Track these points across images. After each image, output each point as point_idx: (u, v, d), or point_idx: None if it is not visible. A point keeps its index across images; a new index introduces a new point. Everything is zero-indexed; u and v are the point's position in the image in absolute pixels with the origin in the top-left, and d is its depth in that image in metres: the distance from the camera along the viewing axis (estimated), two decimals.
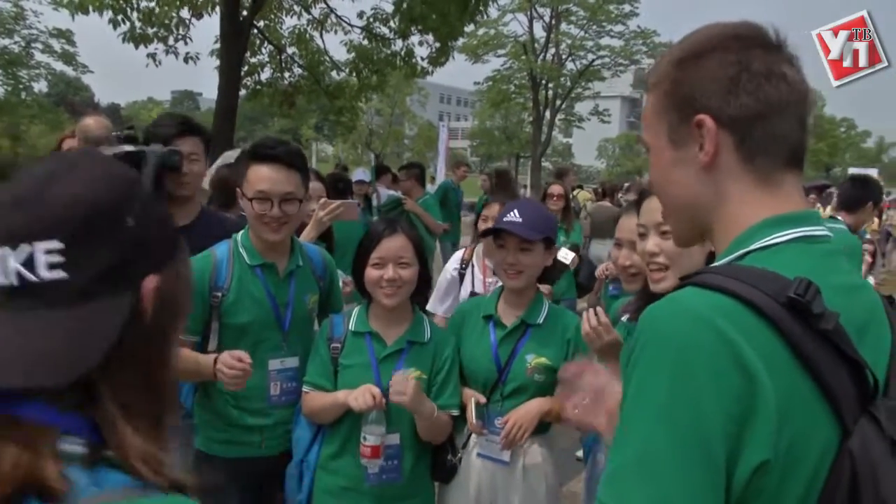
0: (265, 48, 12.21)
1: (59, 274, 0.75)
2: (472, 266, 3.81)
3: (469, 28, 14.18)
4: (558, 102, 31.05)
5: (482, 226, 3.77)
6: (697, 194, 1.05)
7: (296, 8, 12.15)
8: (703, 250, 1.76)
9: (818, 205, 8.77)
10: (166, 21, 10.26)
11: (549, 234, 2.55)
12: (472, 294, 3.66)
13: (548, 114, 30.55)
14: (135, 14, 9.82)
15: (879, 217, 13.62)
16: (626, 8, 28.31)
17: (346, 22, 12.12)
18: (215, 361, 2.27)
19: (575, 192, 11.20)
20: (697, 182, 1.05)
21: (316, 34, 12.36)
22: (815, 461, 0.89)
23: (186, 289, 0.92)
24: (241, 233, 2.60)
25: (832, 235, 1.03)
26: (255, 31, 11.29)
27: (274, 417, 2.53)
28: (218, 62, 10.46)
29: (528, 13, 29.69)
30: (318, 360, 2.46)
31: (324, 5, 12.08)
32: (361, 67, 12.16)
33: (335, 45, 12.80)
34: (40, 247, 0.74)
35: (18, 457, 0.72)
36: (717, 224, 1.06)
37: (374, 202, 7.22)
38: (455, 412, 2.46)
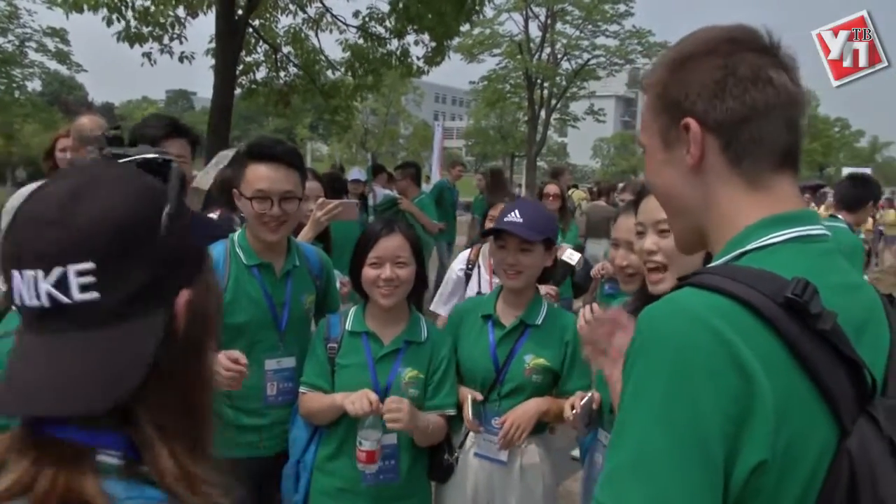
0: (260, 47, 12.18)
1: (92, 295, 0.74)
2: (479, 266, 3.78)
3: (464, 28, 14.17)
4: (553, 102, 31.05)
5: (489, 226, 3.76)
6: (688, 196, 1.07)
7: (291, 7, 12.14)
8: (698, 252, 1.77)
9: (812, 204, 8.81)
10: (161, 20, 10.23)
11: (550, 234, 2.55)
12: (479, 294, 3.65)
13: (543, 113, 30.55)
14: (130, 13, 9.79)
15: (872, 217, 13.67)
16: (622, 8, 28.36)
17: (341, 21, 12.11)
18: None
19: (570, 192, 11.21)
20: (687, 184, 1.06)
21: (311, 33, 12.36)
22: (813, 461, 0.89)
23: (216, 300, 0.90)
24: (237, 233, 2.60)
25: (829, 234, 1.04)
26: (251, 30, 11.26)
27: (270, 417, 2.53)
28: (213, 61, 10.43)
29: (524, 13, 29.68)
30: (314, 361, 2.46)
31: (319, 4, 12.08)
32: (357, 67, 12.14)
33: (331, 45, 12.73)
34: (73, 269, 0.73)
35: (56, 476, 0.71)
36: (711, 225, 1.07)
37: (371, 202, 7.22)
38: (451, 412, 2.46)
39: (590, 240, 8.69)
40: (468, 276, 3.78)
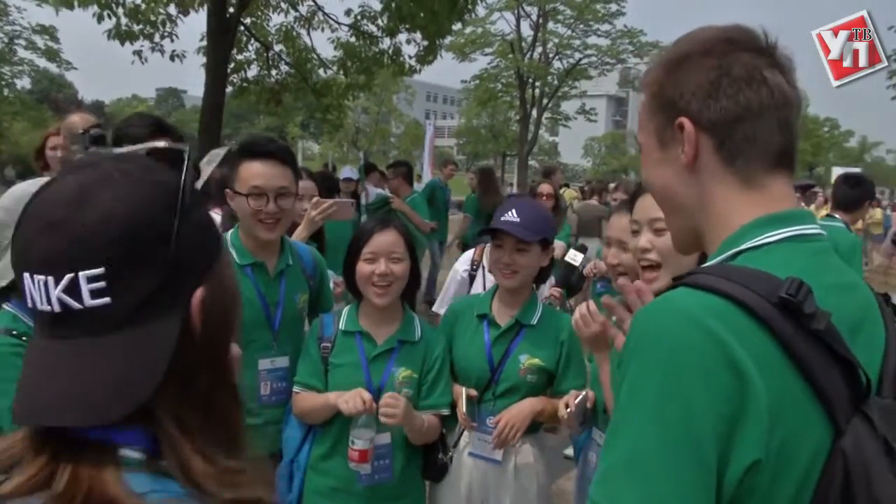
0: (252, 45, 12.13)
1: (104, 300, 0.72)
2: (483, 267, 3.74)
3: (456, 26, 14.15)
4: (545, 101, 31.08)
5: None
6: (683, 194, 1.08)
7: (283, 5, 12.09)
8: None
9: (801, 203, 8.87)
10: (152, 17, 10.17)
11: (547, 234, 2.55)
12: None
13: (534, 112, 30.57)
14: (120, 10, 9.73)
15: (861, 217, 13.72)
16: (613, 7, 28.38)
17: (333, 20, 12.07)
18: None
19: (561, 191, 11.23)
20: (682, 182, 1.07)
21: (303, 31, 12.31)
22: (807, 461, 0.90)
23: (233, 292, 0.87)
24: (230, 232, 2.59)
25: (825, 234, 1.04)
26: (242, 28, 11.22)
27: (264, 417, 2.52)
28: (205, 59, 10.38)
29: (516, 12, 29.70)
30: (308, 360, 2.45)
31: (311, 3, 12.03)
32: (349, 65, 12.12)
33: (322, 43, 12.70)
34: (83, 275, 0.71)
35: (76, 471, 0.70)
36: (706, 224, 1.07)
37: (364, 200, 7.21)
38: (446, 411, 2.46)
39: (581, 239, 8.70)
40: (472, 277, 3.76)
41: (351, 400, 2.22)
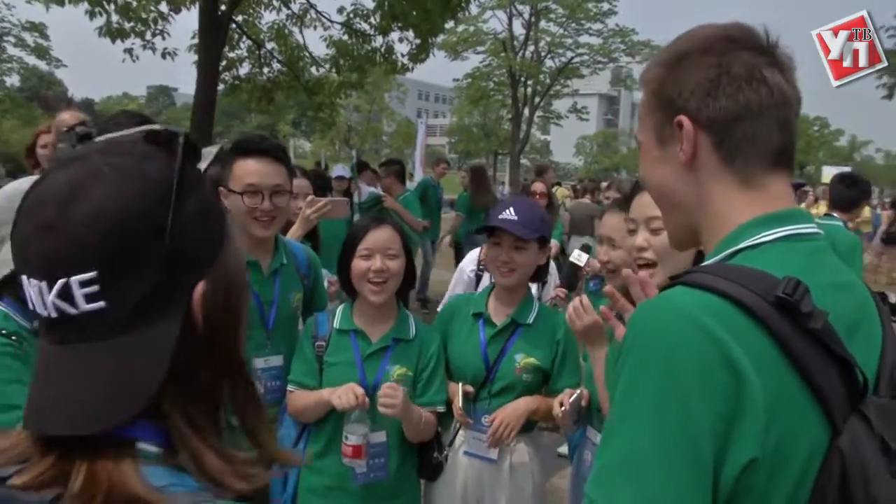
0: (244, 43, 12.08)
1: (99, 304, 0.70)
2: None
3: (449, 25, 14.14)
4: (537, 100, 31.05)
5: None
6: (681, 192, 1.08)
7: (275, 3, 12.03)
8: (691, 249, 1.78)
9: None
10: (144, 15, 10.11)
11: (544, 233, 2.55)
12: None
13: (526, 111, 30.54)
14: (112, 7, 9.67)
15: None
16: (605, 6, 28.40)
17: (325, 17, 12.03)
18: None
19: (553, 189, 11.26)
20: (680, 181, 1.07)
21: (295, 29, 12.26)
22: (804, 460, 0.90)
23: (239, 279, 0.82)
24: None
25: (821, 233, 1.04)
26: (234, 25, 11.17)
27: None
28: (196, 57, 10.33)
29: (508, 10, 29.66)
30: (302, 359, 2.45)
31: (303, 0, 11.99)
32: (341, 63, 12.08)
33: (315, 41, 12.63)
34: (75, 280, 0.69)
35: (92, 466, 0.68)
36: (704, 223, 1.07)
37: (356, 199, 7.21)
38: (441, 408, 2.46)
39: (573, 237, 8.73)
40: (479, 277, 3.75)
41: (343, 395, 2.22)
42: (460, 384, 2.47)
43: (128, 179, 0.72)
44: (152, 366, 0.71)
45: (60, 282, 0.69)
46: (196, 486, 0.71)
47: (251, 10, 12.03)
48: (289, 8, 12.04)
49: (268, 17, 12.43)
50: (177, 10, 10.51)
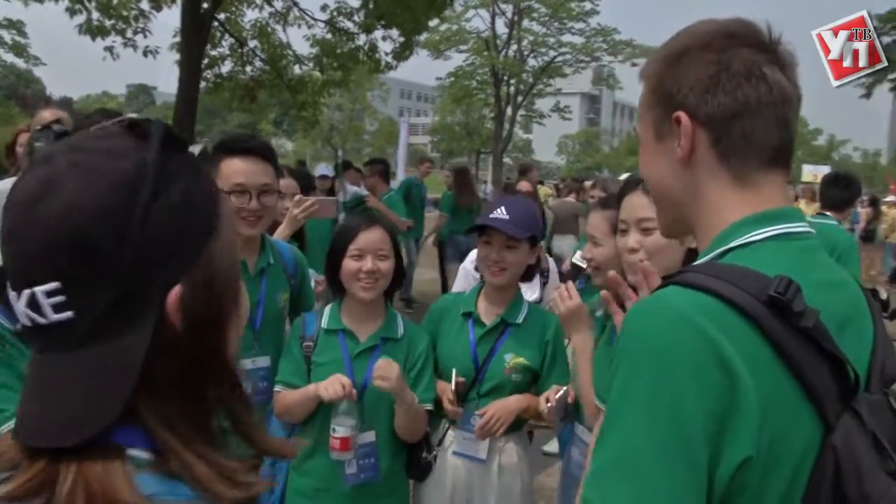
0: (226, 41, 11.99)
1: (66, 314, 0.67)
2: None
3: (432, 23, 14.11)
4: (519, 99, 31.11)
5: None
6: (677, 188, 1.08)
7: (258, 1, 11.96)
8: (681, 249, 1.79)
9: None
10: (125, 13, 10.01)
11: (535, 232, 2.56)
12: None
13: (509, 110, 30.59)
14: (92, 4, 9.57)
15: None
16: (587, 5, 28.50)
17: (308, 15, 11.98)
18: None
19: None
20: (676, 176, 1.07)
21: (278, 27, 12.20)
22: (797, 457, 0.91)
23: (228, 274, 0.77)
24: None
25: (813, 231, 1.05)
26: (216, 23, 11.08)
27: None
28: (178, 56, 10.25)
29: (491, 9, 29.69)
30: (290, 359, 2.44)
31: None
32: (325, 62, 12.03)
33: (298, 39, 12.59)
34: (40, 290, 0.67)
35: (80, 472, 0.67)
36: (698, 220, 1.08)
37: (341, 198, 7.18)
38: (429, 406, 2.45)
39: (556, 236, 8.76)
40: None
41: (330, 386, 2.22)
42: (453, 370, 2.46)
43: (93, 180, 0.68)
44: (122, 376, 0.69)
45: (26, 292, 0.68)
46: (190, 495, 0.69)
47: (234, 8, 11.95)
48: (272, 6, 11.98)
49: (250, 15, 12.37)
50: (158, 8, 10.42)
